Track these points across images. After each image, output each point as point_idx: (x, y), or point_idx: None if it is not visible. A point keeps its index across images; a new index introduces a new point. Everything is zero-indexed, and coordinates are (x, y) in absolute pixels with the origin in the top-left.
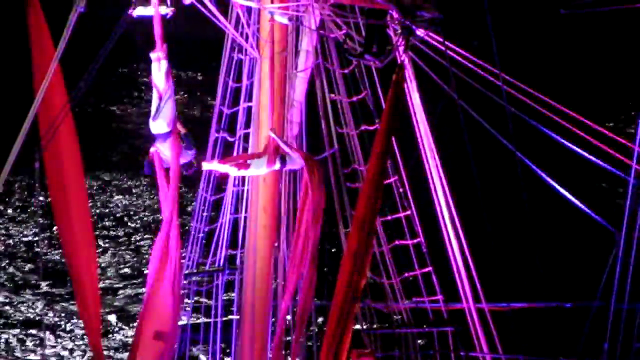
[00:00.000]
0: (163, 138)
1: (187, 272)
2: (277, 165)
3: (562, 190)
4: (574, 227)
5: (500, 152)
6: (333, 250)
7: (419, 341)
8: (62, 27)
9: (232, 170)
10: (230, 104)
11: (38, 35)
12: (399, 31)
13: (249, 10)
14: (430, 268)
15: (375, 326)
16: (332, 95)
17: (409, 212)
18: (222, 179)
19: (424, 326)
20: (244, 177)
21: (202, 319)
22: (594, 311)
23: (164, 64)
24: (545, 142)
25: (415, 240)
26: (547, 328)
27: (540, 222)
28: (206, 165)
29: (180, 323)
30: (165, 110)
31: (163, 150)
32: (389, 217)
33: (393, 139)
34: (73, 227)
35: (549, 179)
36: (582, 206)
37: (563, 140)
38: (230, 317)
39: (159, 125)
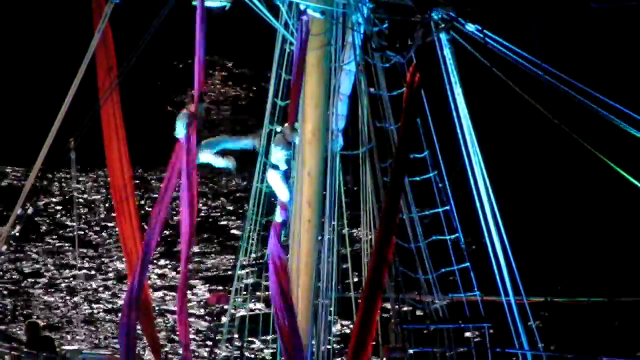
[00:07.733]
0: None
1: (245, 263)
2: None
3: (606, 161)
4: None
5: (539, 145)
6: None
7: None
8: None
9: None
10: (283, 97)
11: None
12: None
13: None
14: (467, 264)
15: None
16: (372, 89)
17: (447, 207)
18: None
19: (459, 322)
20: None
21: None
22: None
23: None
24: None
25: (453, 236)
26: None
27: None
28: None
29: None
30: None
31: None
32: (427, 212)
33: (433, 133)
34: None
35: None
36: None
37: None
38: None
39: None
